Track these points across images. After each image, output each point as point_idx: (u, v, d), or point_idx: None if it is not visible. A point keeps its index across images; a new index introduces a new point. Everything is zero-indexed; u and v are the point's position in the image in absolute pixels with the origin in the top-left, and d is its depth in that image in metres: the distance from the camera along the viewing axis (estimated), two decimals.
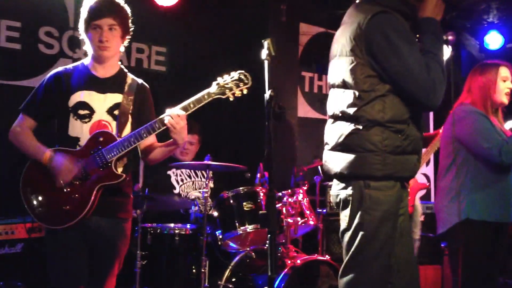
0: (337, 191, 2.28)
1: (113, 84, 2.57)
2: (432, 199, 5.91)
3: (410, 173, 2.24)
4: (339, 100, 2.26)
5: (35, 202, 2.44)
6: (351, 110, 2.20)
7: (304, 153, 5.37)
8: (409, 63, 2.12)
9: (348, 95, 2.22)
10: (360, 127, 2.17)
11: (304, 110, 5.76)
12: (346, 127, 2.22)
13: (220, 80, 2.57)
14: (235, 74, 2.58)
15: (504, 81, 2.87)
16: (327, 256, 3.66)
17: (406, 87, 2.15)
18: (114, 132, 2.50)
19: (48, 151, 2.45)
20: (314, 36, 5.80)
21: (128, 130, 2.55)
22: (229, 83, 2.56)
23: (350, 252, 2.20)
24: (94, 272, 2.50)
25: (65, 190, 2.40)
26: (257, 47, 2.15)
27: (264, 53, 2.08)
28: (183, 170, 4.18)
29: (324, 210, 4.17)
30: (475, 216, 2.69)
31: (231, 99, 2.56)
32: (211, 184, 3.60)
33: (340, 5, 5.31)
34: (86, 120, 2.47)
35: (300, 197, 3.68)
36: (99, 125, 2.49)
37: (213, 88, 2.54)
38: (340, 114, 2.25)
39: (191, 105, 2.51)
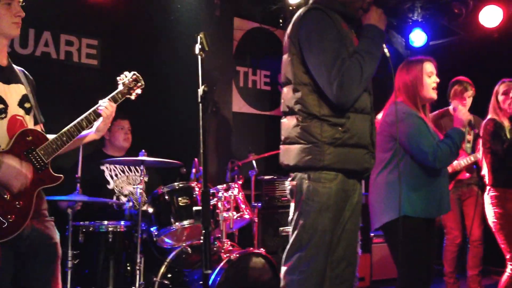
0: (288, 182, 2.39)
1: (12, 73, 2.33)
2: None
3: (356, 166, 2.29)
4: (285, 96, 2.38)
5: None
6: (291, 104, 2.32)
7: (239, 148, 5.39)
8: (323, 57, 2.20)
9: (289, 91, 2.33)
10: (301, 120, 2.27)
11: (239, 105, 5.79)
12: (290, 121, 2.33)
13: (124, 79, 2.63)
14: (130, 75, 2.65)
15: (430, 76, 2.94)
16: (262, 249, 3.71)
17: (318, 80, 2.24)
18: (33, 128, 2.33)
19: None
20: (249, 31, 5.84)
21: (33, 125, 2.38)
22: (131, 82, 2.62)
23: (291, 241, 2.30)
24: (39, 281, 2.30)
25: (6, 198, 2.16)
26: (191, 41, 2.14)
27: (197, 48, 2.07)
28: (117, 165, 4.10)
29: (259, 204, 4.22)
30: (411, 213, 2.77)
31: (132, 98, 2.65)
32: (145, 180, 3.55)
33: (273, 0, 5.38)
34: (2, 116, 2.23)
35: (236, 191, 3.70)
36: (15, 121, 2.27)
37: (122, 87, 2.60)
38: (287, 109, 2.36)
39: (118, 96, 2.57)
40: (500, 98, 3.73)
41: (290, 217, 2.35)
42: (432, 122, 4.20)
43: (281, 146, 2.41)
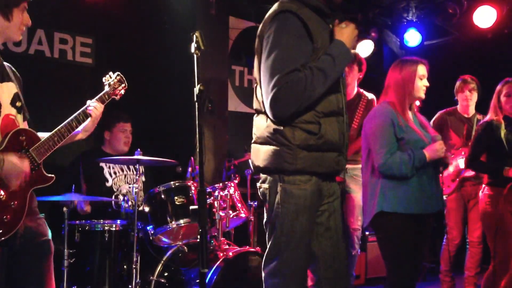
0: (259, 184, 2.33)
1: (3, 70, 2.32)
2: None
3: (327, 169, 2.24)
4: (257, 95, 2.32)
5: None
6: (262, 107, 2.26)
7: (235, 147, 5.40)
8: (271, 63, 2.13)
9: (260, 91, 2.27)
10: (273, 121, 2.20)
11: (235, 104, 5.78)
12: (263, 121, 2.26)
13: (109, 79, 2.67)
14: (114, 75, 2.69)
15: (421, 79, 2.96)
16: (258, 247, 3.72)
17: (262, 86, 2.18)
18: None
19: None
20: (244, 30, 5.84)
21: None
22: (116, 83, 2.67)
23: (269, 244, 2.27)
24: (33, 278, 2.29)
25: (2, 198, 2.16)
26: (186, 40, 2.14)
27: (193, 47, 2.07)
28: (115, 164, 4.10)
29: (255, 203, 4.23)
30: (387, 208, 2.82)
31: (117, 99, 2.69)
32: (142, 178, 3.55)
33: None
34: None
35: (232, 190, 3.70)
36: (8, 120, 2.24)
37: (108, 88, 2.64)
38: (259, 107, 2.30)
39: (105, 97, 2.61)
40: (503, 99, 3.67)
41: (265, 220, 2.30)
42: (440, 119, 4.45)
43: (252, 146, 2.35)
